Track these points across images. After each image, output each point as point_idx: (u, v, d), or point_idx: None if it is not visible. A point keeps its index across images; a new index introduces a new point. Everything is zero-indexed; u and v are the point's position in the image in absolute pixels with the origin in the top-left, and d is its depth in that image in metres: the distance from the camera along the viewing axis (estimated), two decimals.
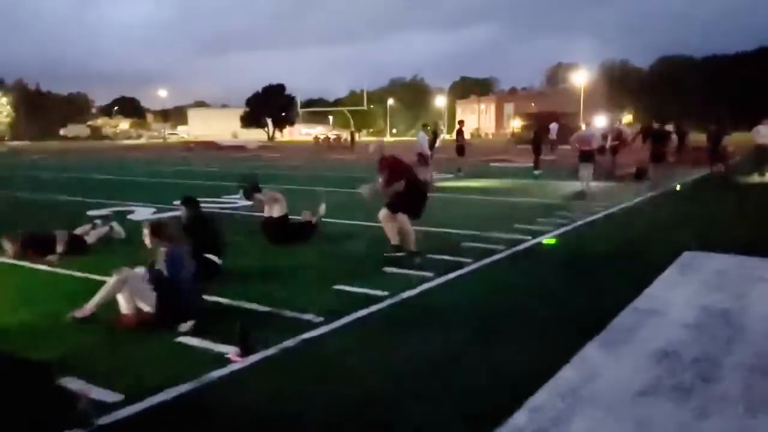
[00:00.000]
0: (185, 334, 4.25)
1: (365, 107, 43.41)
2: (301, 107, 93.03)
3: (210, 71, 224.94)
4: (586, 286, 5.65)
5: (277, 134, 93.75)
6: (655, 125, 15.85)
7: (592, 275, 6.02)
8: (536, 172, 18.14)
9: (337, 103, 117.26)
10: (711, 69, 75.39)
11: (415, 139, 17.71)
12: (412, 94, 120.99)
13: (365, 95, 77.52)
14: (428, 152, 15.20)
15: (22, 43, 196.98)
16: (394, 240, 6.58)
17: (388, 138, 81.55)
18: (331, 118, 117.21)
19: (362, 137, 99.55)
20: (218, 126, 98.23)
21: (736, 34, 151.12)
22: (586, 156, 13.48)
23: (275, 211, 7.57)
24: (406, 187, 6.50)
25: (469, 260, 6.47)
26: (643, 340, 4.09)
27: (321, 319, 4.58)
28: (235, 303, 5.02)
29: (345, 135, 54.05)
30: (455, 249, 7.08)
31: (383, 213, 6.60)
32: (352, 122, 70.22)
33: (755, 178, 15.91)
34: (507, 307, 5.02)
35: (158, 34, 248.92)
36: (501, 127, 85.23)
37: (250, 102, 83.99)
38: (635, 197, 12.08)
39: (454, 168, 18.47)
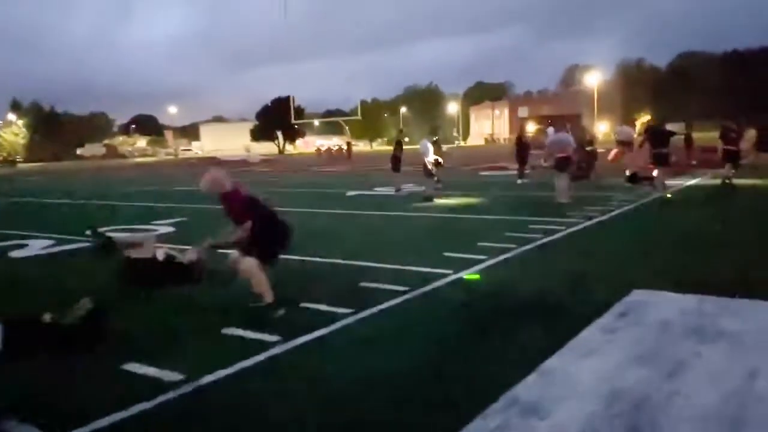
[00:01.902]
0: None
1: (359, 117, 41.94)
2: (320, 118, 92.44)
3: (231, 86, 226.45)
4: (477, 352, 4.17)
5: (289, 147, 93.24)
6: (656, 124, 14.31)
7: (491, 334, 4.51)
8: (519, 182, 16.60)
9: (351, 113, 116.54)
10: (732, 64, 72.70)
11: (417, 147, 15.56)
12: (427, 102, 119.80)
13: (357, 106, 76.06)
14: (432, 162, 13.67)
15: (47, 65, 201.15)
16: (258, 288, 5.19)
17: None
18: (347, 128, 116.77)
19: (375, 147, 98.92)
20: (230, 141, 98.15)
21: (758, 29, 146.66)
22: (561, 164, 11.96)
23: (141, 251, 6.25)
24: (260, 226, 5.07)
25: (347, 311, 5.04)
26: None
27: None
28: None
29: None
30: (346, 292, 5.69)
31: (233, 257, 5.20)
32: (348, 133, 69.04)
33: None
34: (343, 398, 3.57)
35: (181, 51, 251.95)
36: (515, 132, 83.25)
37: (260, 115, 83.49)
38: (614, 209, 10.51)
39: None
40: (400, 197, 14.99)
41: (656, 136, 13.10)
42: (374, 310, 5.11)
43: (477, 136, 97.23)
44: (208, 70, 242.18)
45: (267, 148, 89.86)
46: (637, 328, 4.31)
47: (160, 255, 5.99)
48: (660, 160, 12.68)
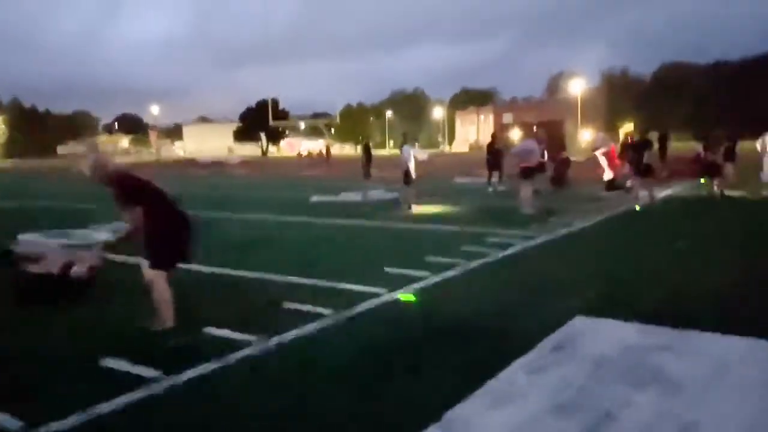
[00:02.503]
0: None
1: (336, 120, 41.51)
2: (307, 120, 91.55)
3: (219, 87, 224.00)
4: (379, 396, 3.62)
5: (273, 149, 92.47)
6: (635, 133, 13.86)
7: (401, 373, 3.97)
8: (490, 190, 16.16)
9: (337, 116, 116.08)
10: (715, 75, 73.11)
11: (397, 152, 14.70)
12: (413, 107, 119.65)
13: (336, 111, 75.66)
14: (412, 169, 13.07)
15: (32, 63, 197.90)
16: (159, 306, 4.62)
17: (384, 152, 79.76)
18: (329, 131, 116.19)
19: (360, 150, 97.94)
20: (213, 142, 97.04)
21: (743, 40, 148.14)
22: (525, 173, 11.50)
23: (43, 265, 5.62)
24: (154, 221, 4.46)
25: (253, 338, 4.48)
26: None
27: None
28: None
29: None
30: (262, 313, 5.15)
31: (145, 271, 4.61)
32: (327, 136, 68.52)
33: (753, 195, 13.58)
34: None
35: (170, 51, 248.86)
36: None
37: (243, 117, 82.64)
38: (579, 222, 10.03)
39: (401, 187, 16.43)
40: (365, 204, 14.45)
41: (638, 146, 12.73)
42: (285, 337, 4.55)
43: (462, 142, 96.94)
44: (196, 70, 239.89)
45: (250, 149, 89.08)
46: (568, 366, 3.79)
47: (57, 267, 5.36)
48: (641, 171, 12.28)
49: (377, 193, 16.47)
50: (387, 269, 6.67)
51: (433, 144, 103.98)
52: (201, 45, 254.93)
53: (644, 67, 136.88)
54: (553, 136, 26.17)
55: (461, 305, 5.43)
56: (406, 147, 13.50)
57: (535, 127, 31.43)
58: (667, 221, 10.61)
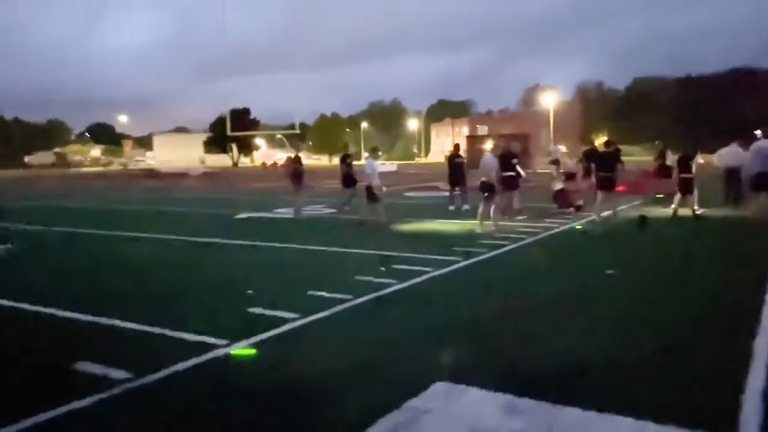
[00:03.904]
0: None
1: (297, 130, 40.21)
2: (284, 131, 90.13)
3: (197, 97, 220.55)
4: None
5: (246, 159, 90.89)
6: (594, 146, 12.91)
7: None
8: (451, 208, 14.43)
9: (308, 127, 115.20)
10: (685, 89, 73.54)
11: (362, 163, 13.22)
12: (390, 118, 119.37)
13: (308, 122, 74.72)
14: (378, 183, 11.86)
15: (6, 71, 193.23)
16: None
17: (362, 162, 78.56)
18: (310, 141, 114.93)
19: (335, 161, 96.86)
20: (184, 152, 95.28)
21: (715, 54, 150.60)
22: (483, 188, 10.57)
23: None
24: None
25: None
26: None
27: None
28: None
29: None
30: (41, 376, 3.97)
31: None
32: (287, 146, 67.36)
33: (720, 213, 12.62)
34: None
35: (148, 60, 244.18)
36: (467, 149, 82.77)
37: (214, 126, 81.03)
38: (510, 243, 8.98)
39: (338, 203, 15.30)
40: (297, 222, 13.29)
41: (601, 159, 11.79)
42: (49, 416, 3.36)
43: (438, 153, 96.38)
44: (175, 79, 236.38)
45: (224, 160, 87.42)
46: None
47: None
48: (604, 185, 11.41)
49: (317, 209, 15.36)
50: (251, 309, 5.52)
51: (409, 155, 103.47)
52: (181, 54, 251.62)
53: (619, 80, 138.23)
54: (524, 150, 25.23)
55: (309, 362, 4.26)
56: (370, 161, 12.23)
57: (490, 141, 30.46)
58: (611, 244, 9.58)
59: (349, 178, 15.35)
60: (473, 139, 49.86)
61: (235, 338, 4.67)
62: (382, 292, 6.16)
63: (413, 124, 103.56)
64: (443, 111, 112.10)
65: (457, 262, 7.69)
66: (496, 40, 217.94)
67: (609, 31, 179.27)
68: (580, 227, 10.98)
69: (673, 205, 12.23)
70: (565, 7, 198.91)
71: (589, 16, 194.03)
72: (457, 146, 16.67)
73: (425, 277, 6.87)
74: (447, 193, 15.60)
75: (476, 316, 5.30)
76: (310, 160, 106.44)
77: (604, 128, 73.75)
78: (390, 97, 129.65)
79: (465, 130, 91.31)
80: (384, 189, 12.12)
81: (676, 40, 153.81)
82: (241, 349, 4.48)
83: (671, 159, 15.86)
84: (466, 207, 13.91)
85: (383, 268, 7.21)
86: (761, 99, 58.59)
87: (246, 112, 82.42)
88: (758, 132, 13.25)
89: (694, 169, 12.08)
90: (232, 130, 40.98)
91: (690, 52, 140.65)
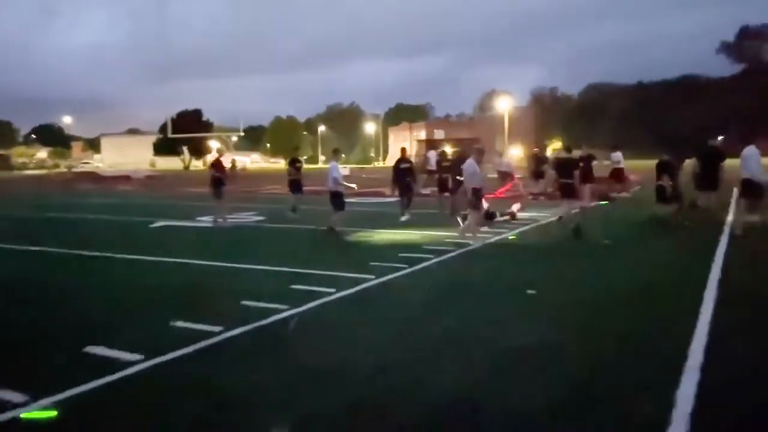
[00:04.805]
0: None
1: (241, 132, 38.58)
2: (238, 133, 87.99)
3: (152, 98, 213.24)
4: None
5: (198, 162, 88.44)
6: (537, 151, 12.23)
7: None
8: (403, 218, 12.67)
9: (264, 130, 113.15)
10: (637, 96, 74.92)
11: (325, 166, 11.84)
12: (348, 121, 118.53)
13: (240, 124, 73.19)
14: (343, 187, 10.95)
15: None
16: None
17: (318, 165, 77.48)
18: (269, 145, 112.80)
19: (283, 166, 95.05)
20: (134, 154, 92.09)
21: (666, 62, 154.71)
22: (477, 196, 9.94)
23: None
24: None
25: None
26: None
27: None
28: None
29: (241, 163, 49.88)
30: None
31: None
32: (231, 148, 65.77)
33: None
34: None
35: (103, 61, 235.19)
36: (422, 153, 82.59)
37: (164, 128, 78.44)
38: (432, 257, 8.14)
39: (288, 206, 14.20)
40: (213, 232, 12.23)
41: (562, 165, 11.13)
42: None
43: (396, 157, 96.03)
44: (129, 80, 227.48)
45: (174, 163, 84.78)
46: None
47: None
48: (565, 192, 10.89)
49: (244, 216, 14.31)
50: (88, 349, 4.51)
51: (368, 159, 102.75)
52: (135, 55, 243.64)
53: (573, 86, 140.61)
54: (464, 155, 24.29)
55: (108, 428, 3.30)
56: (334, 164, 11.20)
57: (423, 146, 29.56)
58: (535, 258, 8.85)
59: (295, 183, 14.36)
60: (430, 143, 49.22)
61: (41, 393, 3.66)
62: (259, 323, 5.22)
63: (371, 128, 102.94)
64: (401, 115, 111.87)
65: (368, 281, 6.81)
66: (455, 46, 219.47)
67: (565, 38, 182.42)
68: (513, 237, 10.26)
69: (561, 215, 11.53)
70: (524, 14, 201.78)
71: (546, 23, 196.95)
72: (404, 150, 15.24)
73: (322, 301, 5.96)
74: (388, 199, 14.62)
75: (338, 363, 4.40)
76: (266, 163, 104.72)
77: (558, 133, 74.62)
78: (348, 101, 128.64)
79: (423, 134, 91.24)
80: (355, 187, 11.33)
81: (630, 47, 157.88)
82: (39, 412, 3.47)
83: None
84: (405, 217, 12.70)
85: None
86: (706, 106, 60.05)
87: (197, 113, 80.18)
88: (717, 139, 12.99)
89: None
90: (182, 131, 39.62)
91: (643, 59, 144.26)
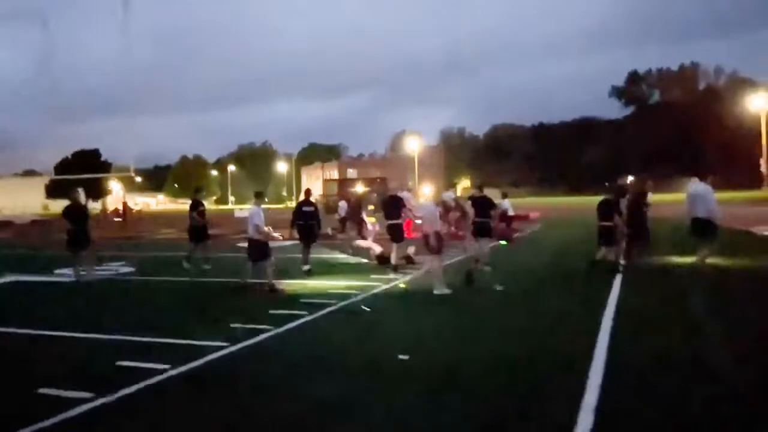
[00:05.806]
0: None
1: (132, 173, 36.16)
2: (142, 175, 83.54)
3: (52, 139, 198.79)
4: None
5: (97, 204, 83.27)
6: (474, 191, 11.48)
7: None
8: (305, 268, 11.25)
9: (169, 169, 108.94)
10: (539, 136, 78.39)
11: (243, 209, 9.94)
12: (259, 161, 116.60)
13: (131, 164, 70.50)
14: (263, 231, 9.35)
15: None
16: None
17: (228, 207, 74.71)
18: (176, 185, 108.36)
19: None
20: (27, 197, 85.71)
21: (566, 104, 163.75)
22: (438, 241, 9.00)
23: None
24: None
25: None
26: None
27: None
28: None
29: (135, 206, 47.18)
30: None
31: None
32: (123, 191, 62.77)
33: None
34: None
35: (2, 101, 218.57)
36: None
37: (58, 169, 73.29)
38: (319, 311, 7.13)
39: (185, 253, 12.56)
40: (68, 287, 10.61)
41: (478, 204, 10.41)
42: None
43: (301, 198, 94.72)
44: (27, 120, 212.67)
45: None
46: None
47: None
48: (481, 231, 10.32)
49: (115, 267, 12.73)
50: None
51: (279, 199, 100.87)
52: (33, 94, 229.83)
53: (480, 127, 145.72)
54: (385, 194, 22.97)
55: None
56: (256, 209, 9.55)
57: (332, 186, 28.76)
58: (424, 312, 8.04)
59: (196, 229, 12.39)
60: (343, 182, 48.40)
61: None
62: (42, 425, 3.97)
63: (283, 167, 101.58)
64: (314, 155, 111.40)
65: (212, 351, 5.68)
66: (369, 88, 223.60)
67: (474, 80, 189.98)
68: (404, 286, 9.45)
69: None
70: (434, 57, 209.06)
71: (455, 65, 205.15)
72: (308, 192, 13.10)
73: (143, 384, 4.78)
74: (284, 243, 13.01)
75: None
76: (172, 204, 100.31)
77: (466, 172, 76.52)
78: (260, 141, 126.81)
79: (335, 173, 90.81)
80: (282, 237, 10.65)
81: (532, 90, 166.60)
82: None
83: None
84: (306, 267, 11.25)
85: None
86: (601, 147, 63.51)
87: (95, 153, 75.90)
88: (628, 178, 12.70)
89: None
90: (79, 172, 36.75)
91: (545, 101, 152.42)
